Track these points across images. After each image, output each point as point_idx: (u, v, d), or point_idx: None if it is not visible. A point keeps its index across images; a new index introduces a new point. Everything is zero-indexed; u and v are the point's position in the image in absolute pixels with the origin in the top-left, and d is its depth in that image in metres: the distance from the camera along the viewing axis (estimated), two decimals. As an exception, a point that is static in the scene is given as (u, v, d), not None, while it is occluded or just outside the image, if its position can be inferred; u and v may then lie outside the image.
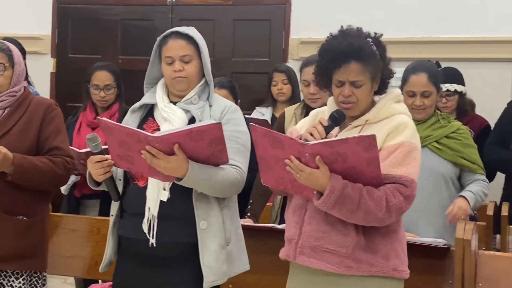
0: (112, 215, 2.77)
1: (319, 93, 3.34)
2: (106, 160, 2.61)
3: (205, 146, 2.50)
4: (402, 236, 2.51)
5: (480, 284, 2.90)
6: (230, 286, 3.25)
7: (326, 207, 2.30)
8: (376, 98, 2.54)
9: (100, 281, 3.76)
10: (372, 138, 2.22)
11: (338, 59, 2.43)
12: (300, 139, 2.35)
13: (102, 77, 4.08)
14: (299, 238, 2.46)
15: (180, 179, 2.52)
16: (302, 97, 3.85)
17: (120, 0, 6.11)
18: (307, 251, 2.44)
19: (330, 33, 2.51)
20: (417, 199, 3.18)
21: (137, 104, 2.82)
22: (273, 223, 3.47)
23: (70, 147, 3.36)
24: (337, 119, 2.45)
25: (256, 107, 5.09)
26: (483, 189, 3.26)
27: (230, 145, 2.58)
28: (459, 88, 4.29)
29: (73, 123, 4.11)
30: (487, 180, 3.34)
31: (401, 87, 3.41)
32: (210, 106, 2.74)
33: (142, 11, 6.02)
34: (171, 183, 2.59)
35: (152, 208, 2.63)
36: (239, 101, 3.94)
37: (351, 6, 5.49)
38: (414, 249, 2.90)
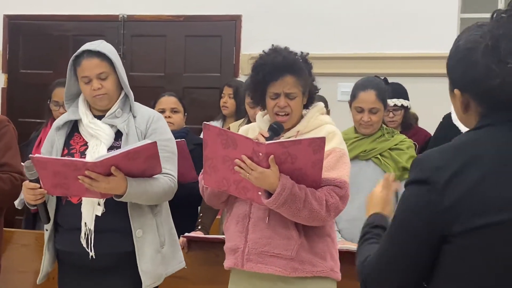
0: (46, 230, 2.84)
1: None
2: (39, 188, 2.66)
3: (141, 162, 2.60)
4: (335, 239, 2.67)
5: (421, 291, 3.02)
6: (182, 297, 3.32)
7: (277, 205, 2.41)
8: (304, 111, 2.70)
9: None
10: (322, 140, 2.38)
11: (275, 72, 2.58)
12: None
13: (61, 94, 4.10)
14: (245, 247, 2.57)
15: (119, 196, 2.62)
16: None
17: (71, 16, 6.13)
18: (254, 258, 2.55)
19: (263, 51, 2.66)
20: (361, 210, 3.29)
21: (60, 121, 2.88)
22: (223, 235, 3.53)
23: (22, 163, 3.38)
24: (277, 130, 2.59)
25: (209, 122, 5.16)
26: None
27: (160, 154, 2.67)
28: (405, 103, 4.44)
29: (35, 138, 4.13)
30: None
31: (350, 102, 3.53)
32: (134, 117, 2.82)
33: (93, 27, 6.05)
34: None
35: (88, 223, 2.72)
36: (185, 114, 4.02)
37: (300, 23, 5.61)
38: (352, 256, 3.00)
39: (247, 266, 2.56)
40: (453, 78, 1.60)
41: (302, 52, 2.66)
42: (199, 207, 3.65)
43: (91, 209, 2.73)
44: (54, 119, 4.11)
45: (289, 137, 2.60)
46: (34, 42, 6.26)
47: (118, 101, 2.83)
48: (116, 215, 2.73)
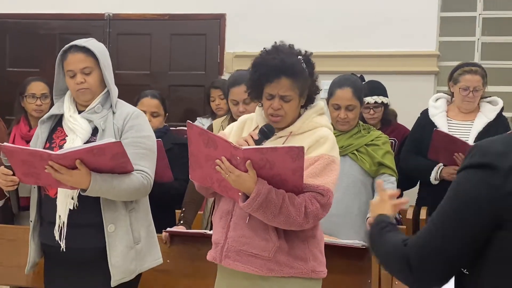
0: (31, 221, 2.92)
1: (247, 111, 3.43)
2: (11, 175, 2.73)
3: (107, 160, 2.65)
4: (320, 239, 2.66)
5: (396, 283, 3.06)
6: (164, 290, 3.39)
7: (251, 209, 2.42)
8: (302, 110, 2.67)
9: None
10: (301, 149, 2.36)
11: (270, 73, 2.54)
12: None
13: (38, 87, 4.17)
14: (225, 243, 2.59)
15: (85, 190, 2.67)
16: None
17: (58, 14, 6.18)
18: (232, 255, 2.57)
19: (264, 48, 2.62)
20: (339, 204, 3.40)
21: (45, 115, 2.96)
22: (205, 230, 3.61)
23: None
24: (266, 133, 2.57)
25: (198, 118, 5.25)
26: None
27: (134, 151, 2.74)
28: (384, 100, 4.52)
29: (7, 135, 4.18)
30: (394, 181, 3.51)
31: (327, 100, 3.60)
32: (114, 113, 2.87)
33: (79, 25, 6.10)
34: (79, 192, 2.74)
35: (62, 216, 2.78)
36: (167, 114, 4.07)
37: (282, 22, 5.68)
38: (335, 251, 3.08)
39: (225, 262, 2.59)
40: None
41: (306, 52, 2.62)
42: (175, 207, 3.70)
43: (65, 203, 2.79)
44: (26, 116, 4.18)
45: (281, 137, 2.60)
46: (20, 41, 6.30)
47: (100, 96, 2.88)
48: (90, 209, 2.78)
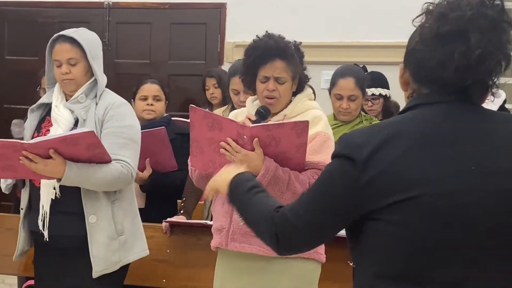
0: (22, 209, 2.93)
1: None
2: None
3: (83, 149, 2.64)
4: None
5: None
6: (164, 280, 3.38)
7: None
8: (292, 98, 2.74)
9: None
10: (306, 124, 2.42)
11: (265, 55, 2.63)
12: None
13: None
14: (230, 227, 2.62)
15: (61, 180, 2.67)
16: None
17: (57, 2, 6.16)
18: (238, 238, 2.60)
19: (257, 36, 2.70)
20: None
21: (35, 105, 2.96)
22: (205, 220, 3.60)
23: None
24: (263, 114, 2.64)
25: (196, 108, 5.23)
26: None
27: (115, 141, 2.73)
28: (383, 92, 4.47)
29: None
30: None
31: (330, 90, 3.58)
32: (97, 104, 2.85)
33: (78, 13, 6.08)
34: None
35: (44, 205, 2.79)
36: (167, 101, 4.05)
37: (283, 12, 5.66)
38: (334, 240, 3.06)
39: (231, 245, 2.62)
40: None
41: (295, 41, 2.71)
42: (179, 197, 3.69)
43: (47, 192, 2.79)
44: None
45: (276, 121, 2.64)
46: (19, 29, 6.28)
47: (84, 86, 2.87)
48: (72, 200, 2.78)
